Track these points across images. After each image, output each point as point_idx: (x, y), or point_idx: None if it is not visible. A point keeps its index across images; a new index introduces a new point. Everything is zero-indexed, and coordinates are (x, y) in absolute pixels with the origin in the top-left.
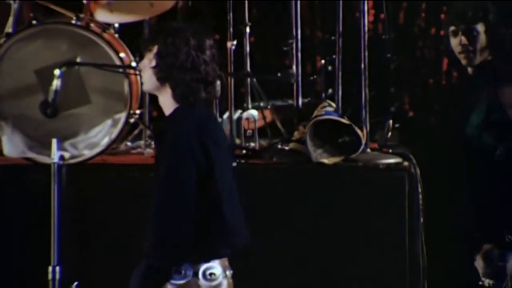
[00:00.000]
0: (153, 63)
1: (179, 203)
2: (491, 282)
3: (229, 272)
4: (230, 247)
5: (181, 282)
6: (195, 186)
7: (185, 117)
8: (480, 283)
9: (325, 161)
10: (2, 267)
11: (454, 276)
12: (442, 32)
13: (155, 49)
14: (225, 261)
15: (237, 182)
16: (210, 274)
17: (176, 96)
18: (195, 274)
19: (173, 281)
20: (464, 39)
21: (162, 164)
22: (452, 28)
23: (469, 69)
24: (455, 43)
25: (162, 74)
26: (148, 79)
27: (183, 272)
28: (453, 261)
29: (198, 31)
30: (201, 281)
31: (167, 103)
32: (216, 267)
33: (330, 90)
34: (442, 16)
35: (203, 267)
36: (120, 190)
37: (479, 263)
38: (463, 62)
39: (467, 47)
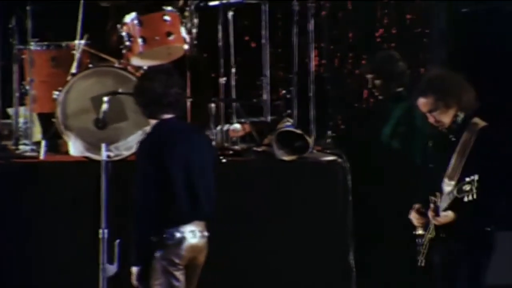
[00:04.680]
0: None
1: (142, 192)
2: (421, 231)
3: (190, 234)
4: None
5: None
6: (153, 177)
7: (150, 131)
8: (414, 232)
9: (285, 158)
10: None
11: (383, 232)
12: (362, 72)
13: None
14: (190, 226)
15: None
16: (172, 235)
17: (144, 114)
18: (164, 237)
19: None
20: (378, 83)
21: None
22: (370, 75)
23: (381, 97)
24: (372, 84)
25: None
26: None
27: (157, 236)
28: (380, 221)
29: (156, 69)
30: (168, 242)
31: (151, 122)
32: (177, 231)
33: (288, 111)
34: (363, 61)
35: (169, 231)
36: None
37: (413, 216)
38: (377, 93)
39: (380, 86)
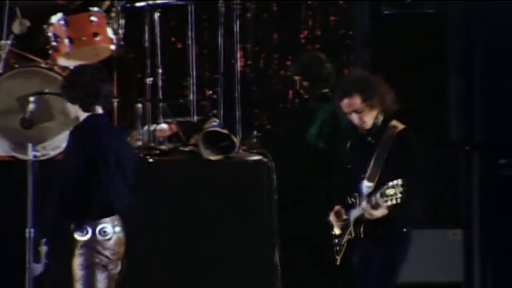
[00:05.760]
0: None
1: (70, 181)
2: (339, 231)
3: (118, 228)
4: (109, 210)
5: (85, 238)
6: (82, 169)
7: (82, 122)
8: (332, 232)
9: (212, 158)
10: None
11: (308, 231)
12: (289, 73)
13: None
14: (114, 220)
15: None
16: (104, 231)
17: (81, 107)
18: (94, 232)
19: (78, 238)
20: (305, 84)
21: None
22: (297, 77)
23: (307, 96)
24: (300, 85)
25: (72, 99)
26: (71, 111)
27: (85, 231)
28: (304, 220)
29: (85, 65)
30: (98, 237)
31: (81, 116)
32: (107, 226)
33: (214, 111)
34: (288, 62)
35: (99, 226)
36: None
37: (332, 218)
38: (304, 94)
39: (307, 88)
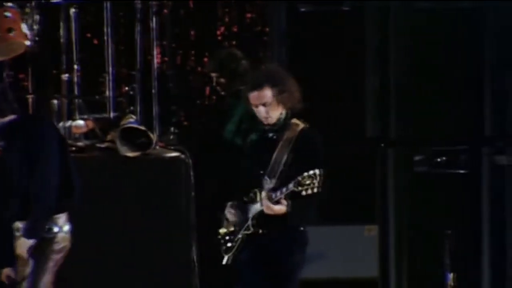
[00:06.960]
0: None
1: (56, 175)
2: (232, 228)
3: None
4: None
5: (51, 236)
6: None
7: (29, 118)
8: (224, 230)
9: (129, 154)
10: None
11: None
12: (206, 70)
13: None
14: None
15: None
16: (68, 228)
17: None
18: (61, 229)
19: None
20: (222, 80)
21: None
22: (214, 74)
23: (224, 93)
24: (216, 81)
25: None
26: None
27: (51, 228)
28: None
29: None
30: (64, 234)
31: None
32: (67, 223)
33: (131, 108)
34: (205, 59)
35: (63, 224)
36: None
37: (229, 212)
38: (221, 91)
39: (224, 84)
